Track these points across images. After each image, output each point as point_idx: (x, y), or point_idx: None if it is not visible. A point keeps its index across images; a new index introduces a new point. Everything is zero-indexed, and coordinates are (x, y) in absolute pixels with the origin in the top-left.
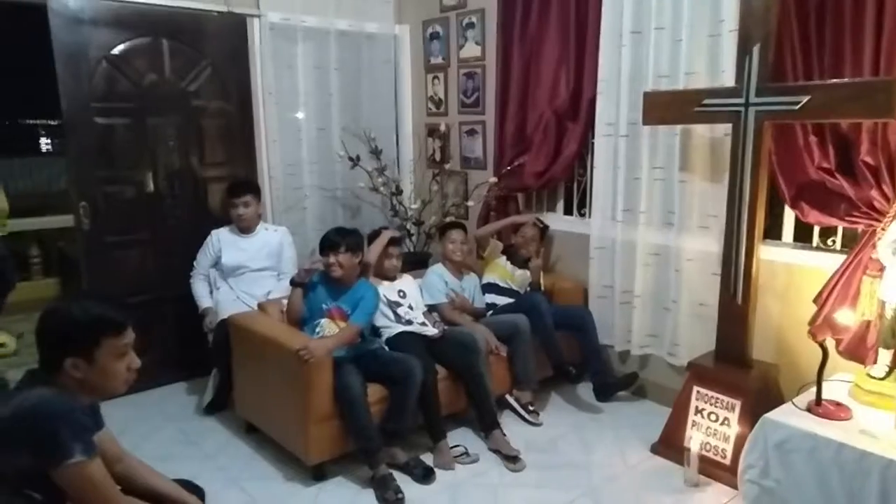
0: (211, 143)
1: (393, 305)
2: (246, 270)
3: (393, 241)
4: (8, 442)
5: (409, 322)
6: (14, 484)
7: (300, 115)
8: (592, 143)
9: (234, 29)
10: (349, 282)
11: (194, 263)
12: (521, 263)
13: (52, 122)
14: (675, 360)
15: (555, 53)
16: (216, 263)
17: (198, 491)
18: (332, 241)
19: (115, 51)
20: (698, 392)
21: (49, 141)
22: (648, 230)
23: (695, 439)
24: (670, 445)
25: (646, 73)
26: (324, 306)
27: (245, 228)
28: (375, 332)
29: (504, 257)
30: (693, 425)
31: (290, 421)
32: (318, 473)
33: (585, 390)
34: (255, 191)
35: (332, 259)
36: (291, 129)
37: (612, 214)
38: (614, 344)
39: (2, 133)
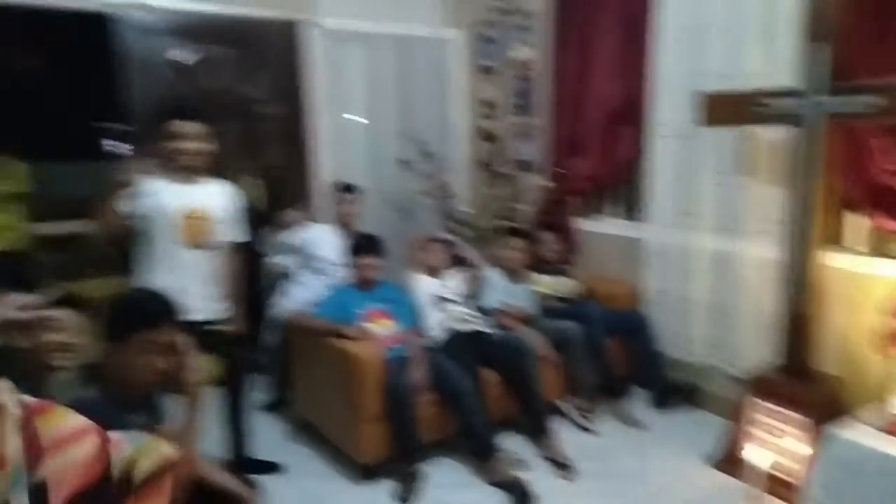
0: (269, 146)
1: (439, 301)
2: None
3: (438, 241)
4: None
5: (460, 319)
6: None
7: (357, 118)
8: (647, 146)
9: (293, 36)
10: (376, 283)
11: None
12: (555, 272)
13: (121, 127)
14: (735, 371)
15: (609, 54)
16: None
17: (274, 467)
18: (367, 245)
19: (178, 58)
20: (759, 405)
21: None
22: (707, 235)
23: (754, 454)
24: (729, 459)
25: (703, 73)
26: (360, 311)
27: (350, 224)
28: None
29: (535, 274)
30: (753, 440)
31: (343, 420)
32: (369, 473)
33: (641, 399)
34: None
35: (368, 261)
36: (344, 132)
37: (670, 218)
38: (670, 352)
39: (76, 137)
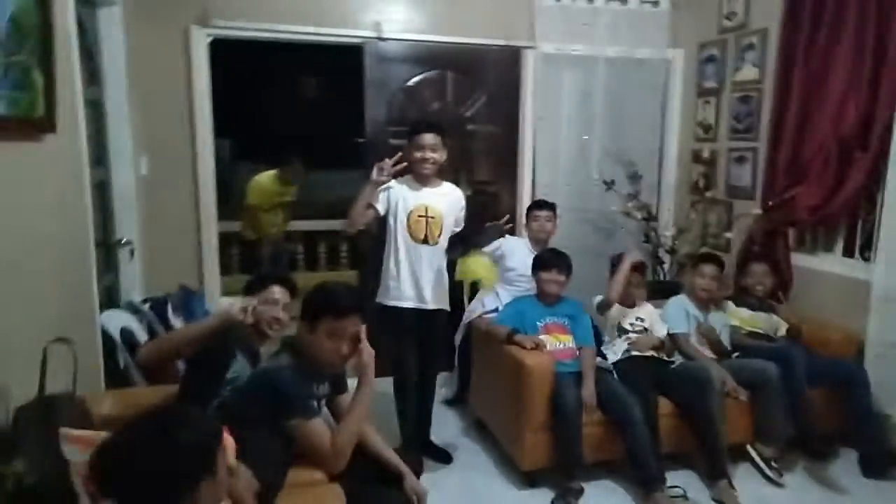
0: (479, 163)
1: (622, 332)
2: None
3: (635, 267)
4: (254, 393)
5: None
6: (259, 423)
7: (585, 136)
8: (884, 177)
9: (510, 60)
10: (558, 298)
11: None
12: (760, 307)
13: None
14: None
15: (845, 72)
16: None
17: (447, 457)
18: (551, 261)
19: (410, 82)
20: None
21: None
22: None
23: None
24: None
25: None
26: (538, 323)
27: (544, 241)
28: (601, 354)
29: (733, 305)
30: None
31: (510, 425)
32: (530, 479)
33: (847, 462)
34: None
35: (551, 276)
36: (552, 151)
37: None
38: (893, 413)
39: (331, 149)
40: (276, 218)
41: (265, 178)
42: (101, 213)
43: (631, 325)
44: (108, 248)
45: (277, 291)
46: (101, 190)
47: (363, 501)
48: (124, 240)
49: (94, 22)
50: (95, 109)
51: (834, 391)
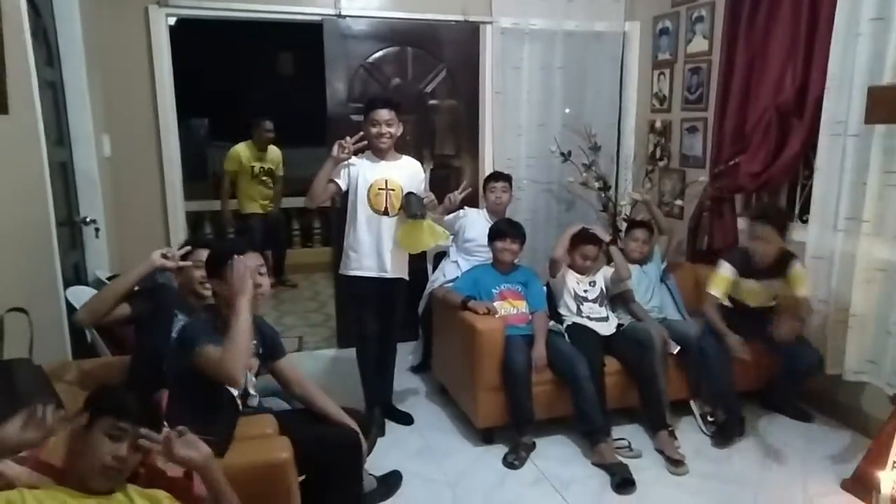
0: (442, 138)
1: (579, 300)
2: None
3: (585, 238)
4: (178, 349)
5: (588, 318)
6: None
7: (567, 110)
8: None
9: (469, 35)
10: (513, 266)
11: None
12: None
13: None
14: (890, 391)
15: (783, 45)
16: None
17: (408, 419)
18: (506, 231)
19: (371, 59)
20: None
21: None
22: (875, 242)
23: (889, 481)
24: (863, 483)
25: (884, 66)
26: (494, 290)
27: (501, 212)
28: (558, 318)
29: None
30: (892, 466)
31: (466, 386)
32: (486, 436)
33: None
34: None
35: (505, 245)
36: (513, 125)
37: (833, 222)
38: (825, 367)
39: (306, 125)
40: (252, 190)
41: (240, 145)
42: (63, 192)
43: (585, 291)
44: (72, 226)
45: (204, 253)
46: (63, 170)
47: (307, 445)
48: (88, 218)
49: (50, 3)
50: (53, 91)
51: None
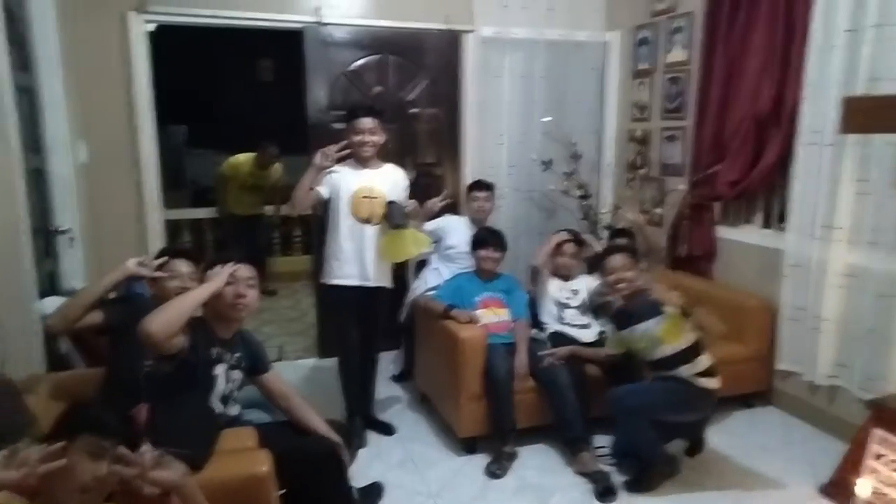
0: (424, 146)
1: (560, 306)
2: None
3: (568, 243)
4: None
5: (570, 325)
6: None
7: (549, 118)
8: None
9: (450, 44)
10: (495, 274)
11: None
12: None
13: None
14: (866, 395)
15: (760, 55)
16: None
17: (389, 429)
18: (488, 239)
19: (352, 67)
20: (879, 435)
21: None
22: (847, 249)
23: (867, 487)
24: (841, 488)
25: (858, 77)
26: (476, 298)
27: (482, 220)
28: (540, 326)
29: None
30: (869, 471)
31: (448, 395)
32: (468, 446)
33: (769, 415)
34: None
35: (487, 254)
36: (494, 133)
37: (810, 230)
38: (802, 371)
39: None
40: (242, 196)
41: (243, 156)
42: (38, 200)
43: (567, 298)
44: (47, 234)
45: (180, 264)
46: (38, 177)
47: (287, 458)
48: (61, 228)
49: (26, 9)
50: (28, 96)
51: None
